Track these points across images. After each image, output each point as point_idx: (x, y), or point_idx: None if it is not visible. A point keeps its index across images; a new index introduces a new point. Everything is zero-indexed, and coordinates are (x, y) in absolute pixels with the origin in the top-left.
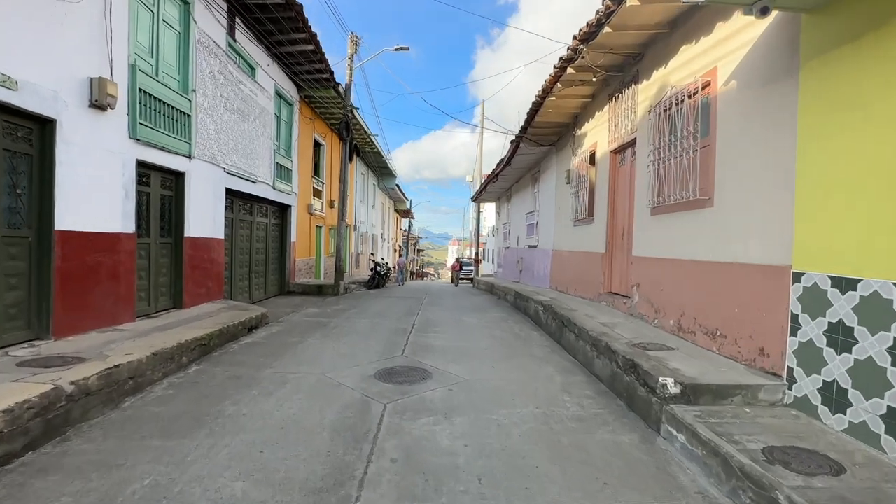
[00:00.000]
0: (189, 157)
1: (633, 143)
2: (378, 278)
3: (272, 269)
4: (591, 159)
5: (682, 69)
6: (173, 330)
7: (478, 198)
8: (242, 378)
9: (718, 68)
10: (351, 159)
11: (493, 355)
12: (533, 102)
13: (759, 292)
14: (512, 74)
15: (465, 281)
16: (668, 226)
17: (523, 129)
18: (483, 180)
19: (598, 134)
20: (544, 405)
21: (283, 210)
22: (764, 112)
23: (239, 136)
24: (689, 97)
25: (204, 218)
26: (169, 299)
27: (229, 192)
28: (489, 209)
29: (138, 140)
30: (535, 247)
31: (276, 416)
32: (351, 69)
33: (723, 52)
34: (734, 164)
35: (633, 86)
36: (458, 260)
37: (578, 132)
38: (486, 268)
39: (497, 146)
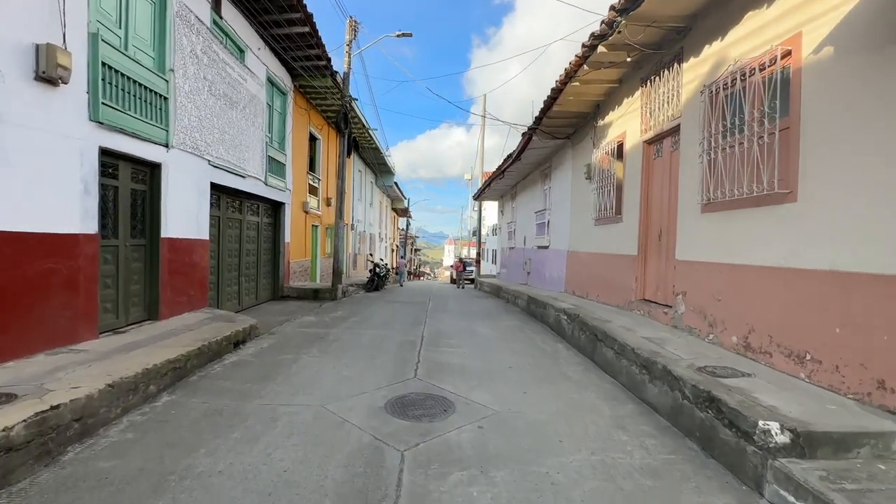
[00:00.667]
0: (166, 146)
1: (674, 131)
2: (377, 280)
3: (264, 273)
4: (618, 152)
5: (747, 40)
6: (142, 350)
7: (480, 195)
8: (223, 413)
9: (804, 34)
10: (349, 154)
11: (520, 377)
12: (552, 90)
13: (875, 309)
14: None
15: (465, 281)
16: (727, 225)
17: (538, 119)
18: (484, 177)
19: (627, 123)
20: (600, 450)
21: (275, 208)
22: (875, 83)
23: (226, 126)
24: (760, 71)
25: (185, 216)
26: (143, 310)
27: (215, 187)
28: (489, 208)
29: (101, 124)
30: (546, 247)
31: (263, 475)
32: (349, 56)
33: (810, 13)
34: (827, 149)
35: (675, 65)
36: (460, 259)
37: (601, 123)
38: (486, 268)
39: (495, 145)
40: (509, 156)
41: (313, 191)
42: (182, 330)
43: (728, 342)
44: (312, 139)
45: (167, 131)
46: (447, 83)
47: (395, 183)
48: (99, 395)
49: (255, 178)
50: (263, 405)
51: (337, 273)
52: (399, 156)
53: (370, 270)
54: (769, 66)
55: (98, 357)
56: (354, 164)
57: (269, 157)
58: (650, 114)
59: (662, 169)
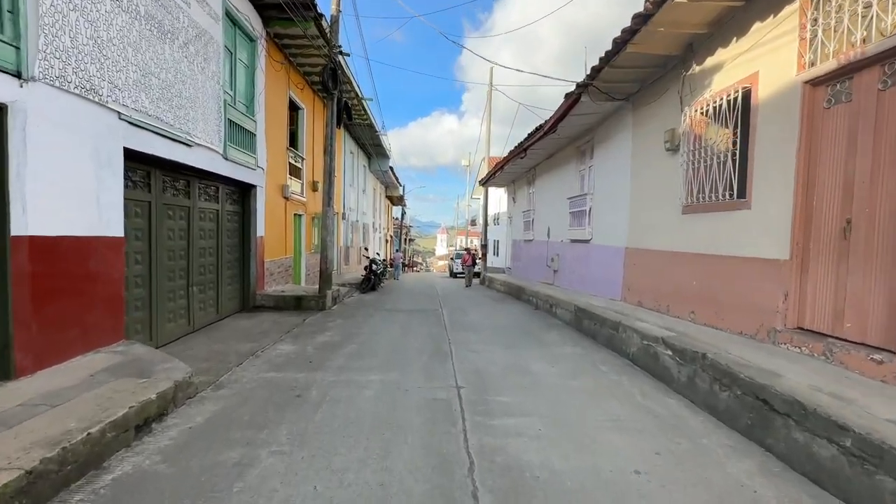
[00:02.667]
0: (18, 75)
1: (878, 59)
2: (374, 279)
3: (229, 277)
4: (737, 106)
5: None
6: None
7: (488, 181)
8: None
9: None
10: (339, 123)
11: None
12: (635, 17)
13: None
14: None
15: (463, 273)
16: None
17: (596, 70)
18: (491, 163)
19: (761, 59)
20: None
21: (243, 192)
22: None
23: (153, 65)
24: None
25: (70, 199)
26: None
27: (136, 157)
28: (491, 195)
29: None
30: (586, 242)
31: None
32: None
33: None
34: None
35: None
36: (468, 251)
37: (698, 69)
38: (489, 260)
39: (473, 136)
40: (538, 128)
41: (295, 172)
42: (40, 405)
43: None
44: (294, 108)
45: (19, 50)
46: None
47: (391, 168)
48: None
49: (207, 148)
50: None
51: (325, 276)
52: (390, 143)
53: (366, 268)
54: None
55: None
56: (345, 143)
57: (231, 121)
58: (826, 32)
59: (850, 121)
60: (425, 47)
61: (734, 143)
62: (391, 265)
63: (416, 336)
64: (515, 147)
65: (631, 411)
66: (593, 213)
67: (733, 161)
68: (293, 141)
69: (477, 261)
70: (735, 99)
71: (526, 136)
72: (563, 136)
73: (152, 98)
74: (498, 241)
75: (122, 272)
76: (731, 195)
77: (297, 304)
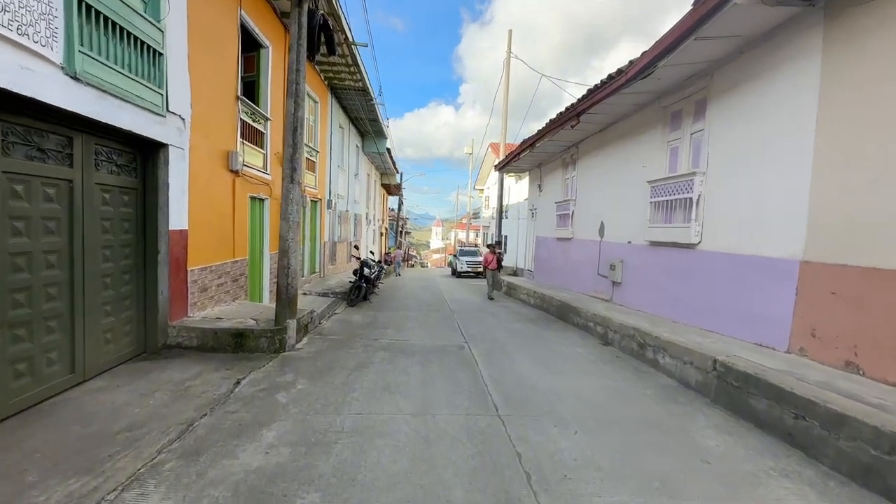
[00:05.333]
0: None
1: None
2: (365, 286)
3: (113, 300)
4: None
5: None
6: None
7: (508, 164)
8: None
9: None
10: (313, 53)
11: None
12: None
13: None
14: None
15: (470, 273)
16: None
17: None
18: (504, 147)
19: None
20: None
21: (143, 154)
22: None
23: None
24: None
25: None
26: None
27: None
28: (495, 186)
29: None
30: (691, 246)
31: None
32: None
33: None
34: None
35: None
36: (491, 249)
37: None
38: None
39: (481, 125)
40: (610, 77)
41: (254, 136)
42: None
43: None
44: (254, 44)
45: None
46: (435, 62)
47: (388, 149)
48: None
49: (23, 49)
50: None
51: (286, 297)
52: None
53: (355, 271)
54: None
55: None
56: (333, 114)
57: (93, 9)
58: None
59: None
60: (424, 35)
61: None
62: (392, 262)
63: (446, 442)
64: (562, 113)
65: None
66: (706, 203)
67: None
68: (251, 92)
69: (469, 258)
70: None
71: (584, 94)
72: (647, 89)
73: None
74: (506, 237)
75: None
76: None
77: (237, 342)
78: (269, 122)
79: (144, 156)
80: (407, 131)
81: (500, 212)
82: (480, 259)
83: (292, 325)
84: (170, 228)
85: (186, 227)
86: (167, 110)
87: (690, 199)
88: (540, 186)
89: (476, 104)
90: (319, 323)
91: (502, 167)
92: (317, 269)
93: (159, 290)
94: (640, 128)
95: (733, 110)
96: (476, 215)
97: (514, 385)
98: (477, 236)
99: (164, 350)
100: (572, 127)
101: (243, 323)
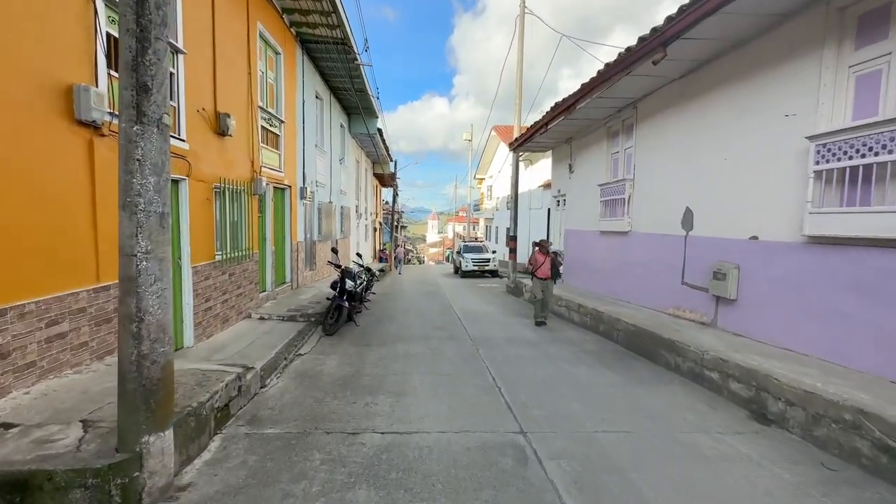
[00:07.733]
0: None
1: None
2: (349, 305)
3: None
4: None
5: None
6: None
7: (527, 140)
8: None
9: None
10: None
11: None
12: None
13: None
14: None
15: (475, 272)
16: None
17: None
18: (517, 122)
19: None
20: None
21: None
22: None
23: None
24: None
25: None
26: None
27: None
28: (496, 176)
29: None
30: None
31: None
32: None
33: None
34: None
35: None
36: (542, 247)
37: None
38: (496, 252)
39: (477, 115)
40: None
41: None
42: None
43: None
44: None
45: None
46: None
47: (379, 130)
48: None
49: None
50: None
51: (139, 385)
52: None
53: (334, 283)
54: None
55: None
56: (306, 78)
57: None
58: None
59: None
60: (416, 27)
61: None
62: (392, 261)
63: None
64: (642, 43)
65: None
66: None
67: None
68: None
69: (477, 255)
70: None
71: (673, 13)
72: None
73: None
74: (509, 230)
75: None
76: None
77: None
78: (180, 56)
79: None
80: (400, 124)
81: (516, 199)
82: (487, 255)
83: (161, 443)
84: None
85: None
86: None
87: None
88: (571, 166)
89: (470, 95)
90: (261, 388)
91: (519, 145)
92: (288, 279)
93: None
94: (780, 53)
95: None
96: (477, 207)
97: None
98: (476, 229)
99: None
100: (654, 63)
101: (48, 440)
